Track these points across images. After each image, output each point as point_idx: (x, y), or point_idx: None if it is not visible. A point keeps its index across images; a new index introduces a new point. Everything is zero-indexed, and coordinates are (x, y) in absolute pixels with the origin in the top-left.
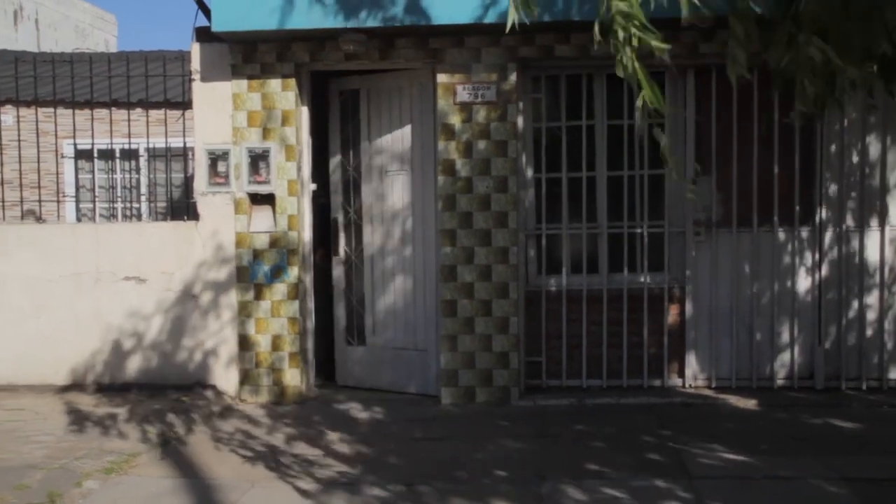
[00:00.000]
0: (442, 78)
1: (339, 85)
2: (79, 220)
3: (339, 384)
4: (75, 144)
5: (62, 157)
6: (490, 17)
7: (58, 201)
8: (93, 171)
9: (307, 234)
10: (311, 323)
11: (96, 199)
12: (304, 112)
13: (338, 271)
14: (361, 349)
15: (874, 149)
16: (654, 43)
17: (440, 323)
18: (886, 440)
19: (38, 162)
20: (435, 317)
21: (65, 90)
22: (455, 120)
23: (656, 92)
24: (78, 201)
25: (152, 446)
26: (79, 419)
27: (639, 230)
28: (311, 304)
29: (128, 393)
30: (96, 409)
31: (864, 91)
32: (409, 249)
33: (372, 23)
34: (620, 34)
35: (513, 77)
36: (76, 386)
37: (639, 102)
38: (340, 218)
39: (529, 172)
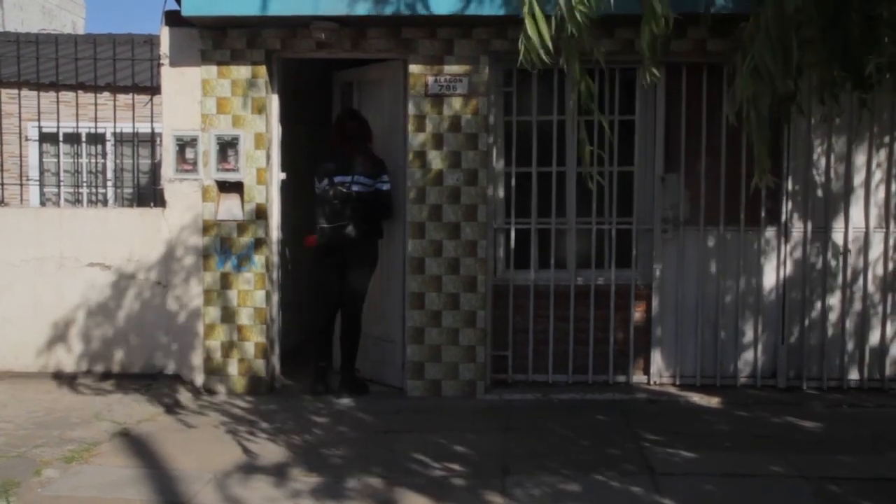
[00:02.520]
0: (414, 69)
1: (341, 77)
2: (43, 204)
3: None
4: (40, 127)
5: (26, 139)
6: (463, 9)
7: (21, 185)
8: (58, 155)
9: (275, 222)
10: (277, 312)
11: (61, 184)
12: (275, 100)
13: None
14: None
15: (839, 151)
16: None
17: (407, 315)
18: (845, 439)
19: (1, 144)
20: (401, 308)
21: (30, 71)
22: (426, 111)
23: (591, 87)
24: (42, 185)
25: (114, 435)
26: (39, 406)
27: (607, 226)
28: (277, 294)
29: (89, 380)
30: (57, 395)
31: (829, 96)
32: (392, 240)
33: (344, 11)
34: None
35: (485, 70)
36: (37, 372)
37: (572, 101)
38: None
39: (500, 166)
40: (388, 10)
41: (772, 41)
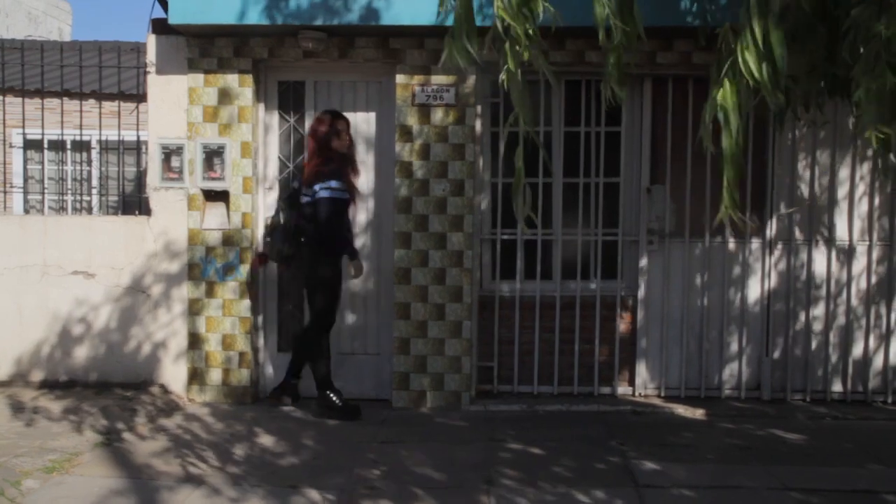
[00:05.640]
0: (401, 79)
1: (278, 74)
2: (27, 211)
3: None
4: (24, 134)
5: (10, 146)
6: (451, 20)
7: (4, 192)
8: (42, 162)
9: (261, 232)
10: (262, 322)
11: (45, 191)
12: (261, 108)
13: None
14: None
15: (823, 164)
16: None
17: (392, 325)
18: (829, 451)
19: None
20: (388, 320)
21: (14, 78)
22: (413, 122)
23: (527, 108)
24: (26, 192)
25: (96, 445)
26: (20, 415)
27: (593, 238)
28: (262, 303)
29: (72, 389)
30: (39, 405)
31: (814, 107)
32: (379, 252)
33: (332, 21)
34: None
35: (471, 80)
36: (19, 381)
37: (511, 119)
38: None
39: (486, 177)
40: (376, 21)
41: (757, 44)
